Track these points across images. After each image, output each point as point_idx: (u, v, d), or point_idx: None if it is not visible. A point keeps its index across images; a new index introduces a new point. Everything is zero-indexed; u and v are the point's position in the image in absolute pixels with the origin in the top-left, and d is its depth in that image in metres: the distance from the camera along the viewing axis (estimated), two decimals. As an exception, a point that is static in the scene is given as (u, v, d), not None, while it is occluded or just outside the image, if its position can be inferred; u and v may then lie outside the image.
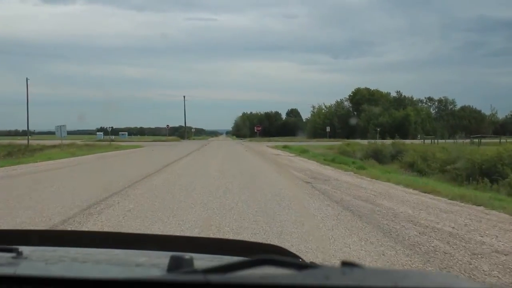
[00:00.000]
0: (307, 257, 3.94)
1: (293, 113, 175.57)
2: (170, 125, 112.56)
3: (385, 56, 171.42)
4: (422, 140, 58.10)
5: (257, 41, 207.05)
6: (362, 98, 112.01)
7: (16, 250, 1.43)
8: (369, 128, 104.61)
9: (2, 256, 1.41)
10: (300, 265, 1.16)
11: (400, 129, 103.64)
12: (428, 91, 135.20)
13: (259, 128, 78.42)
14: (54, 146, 42.87)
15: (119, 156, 32.95)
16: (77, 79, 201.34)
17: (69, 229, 7.11)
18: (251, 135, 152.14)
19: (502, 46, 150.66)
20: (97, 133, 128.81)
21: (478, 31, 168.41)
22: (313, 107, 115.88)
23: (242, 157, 29.86)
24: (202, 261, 1.39)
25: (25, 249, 1.46)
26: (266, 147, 46.71)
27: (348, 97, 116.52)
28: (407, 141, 44.35)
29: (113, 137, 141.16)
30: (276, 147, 47.20)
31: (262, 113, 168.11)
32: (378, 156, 33.05)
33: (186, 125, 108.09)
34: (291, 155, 32.26)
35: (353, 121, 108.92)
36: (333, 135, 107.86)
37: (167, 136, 77.88)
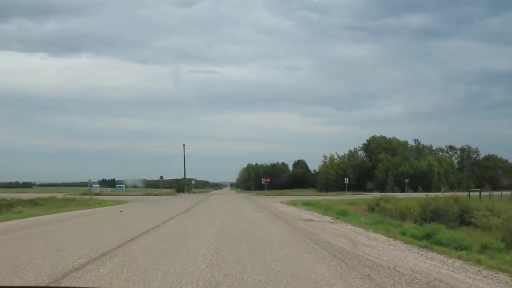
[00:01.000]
0: None
1: (300, 164, 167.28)
2: (174, 177, 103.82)
3: (387, 108, 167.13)
4: (468, 193, 47.59)
5: (260, 93, 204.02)
6: (378, 147, 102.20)
7: None
8: (388, 179, 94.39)
9: None
10: None
11: (422, 181, 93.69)
12: (434, 141, 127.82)
13: (268, 180, 68.37)
14: (30, 201, 38.91)
15: (73, 220, 22.54)
16: (79, 131, 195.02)
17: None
18: (257, 187, 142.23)
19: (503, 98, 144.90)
20: (93, 185, 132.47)
21: (480, 83, 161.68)
22: (325, 157, 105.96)
23: (257, 227, 17.94)
24: None
25: None
26: (282, 205, 36.32)
27: (362, 146, 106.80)
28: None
29: (109, 189, 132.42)
30: (295, 204, 36.83)
31: (267, 164, 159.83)
32: (441, 218, 22.85)
33: (187, 176, 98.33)
34: (330, 220, 21.76)
35: (370, 171, 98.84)
36: (348, 188, 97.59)
37: (161, 189, 67.56)
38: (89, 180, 57.87)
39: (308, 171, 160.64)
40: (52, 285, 6.66)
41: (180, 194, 76.53)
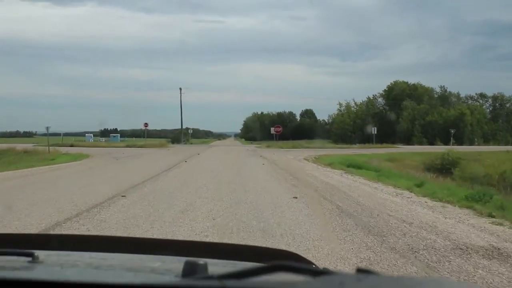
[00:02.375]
0: None
1: (308, 113, 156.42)
2: (177, 127, 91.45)
3: (393, 59, 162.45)
4: None
5: (265, 43, 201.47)
6: (400, 93, 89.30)
7: (31, 255, 1.43)
8: (414, 130, 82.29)
9: (18, 260, 1.42)
10: (314, 271, 1.15)
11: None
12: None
13: (279, 130, 56.18)
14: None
15: None
16: (84, 80, 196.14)
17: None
18: (263, 137, 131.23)
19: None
20: (86, 134, 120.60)
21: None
22: (340, 104, 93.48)
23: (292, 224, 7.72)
24: (216, 266, 1.39)
25: (40, 253, 1.46)
26: (315, 167, 24.29)
27: (382, 92, 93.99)
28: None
29: (103, 139, 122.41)
30: (331, 164, 25.04)
31: (274, 113, 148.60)
32: None
33: (189, 126, 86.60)
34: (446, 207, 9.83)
35: (392, 120, 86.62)
36: (366, 139, 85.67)
37: (145, 139, 55.60)
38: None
39: (316, 120, 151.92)
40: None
41: (174, 145, 65.03)
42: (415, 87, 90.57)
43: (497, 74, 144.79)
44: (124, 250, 1.69)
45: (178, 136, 78.30)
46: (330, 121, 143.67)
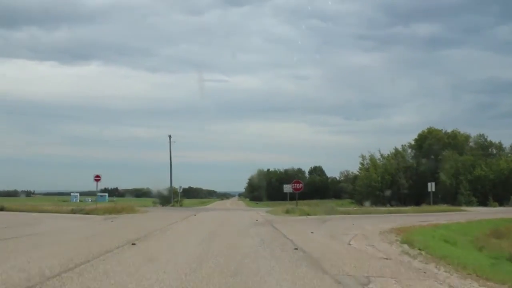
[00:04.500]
0: None
1: (317, 171, 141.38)
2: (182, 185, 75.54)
3: (396, 117, 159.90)
4: None
5: (269, 102, 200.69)
6: (436, 143, 73.10)
7: None
8: (460, 186, 65.20)
9: None
10: None
11: (507, 188, 64.93)
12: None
13: (301, 186, 38.81)
14: None
15: None
16: (87, 139, 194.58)
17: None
18: (269, 196, 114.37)
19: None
20: (71, 194, 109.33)
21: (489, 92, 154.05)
22: (363, 157, 76.64)
23: None
24: None
25: None
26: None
27: (413, 142, 77.66)
28: None
29: (89, 199, 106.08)
30: None
31: (281, 170, 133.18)
32: None
33: (190, 185, 70.20)
34: None
35: (430, 176, 69.67)
36: (398, 199, 68.59)
37: (95, 203, 37.99)
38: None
39: (327, 178, 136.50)
40: None
41: (155, 208, 48.41)
42: (454, 135, 74.33)
43: (499, 132, 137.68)
44: None
45: (169, 196, 61.56)
46: (341, 178, 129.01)
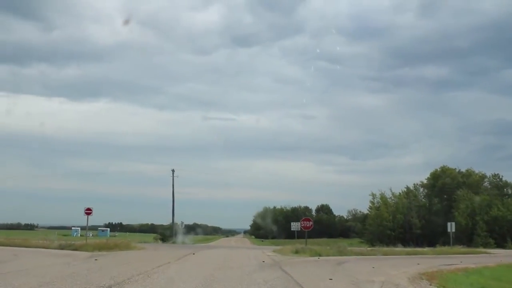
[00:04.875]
0: None
1: (324, 209, 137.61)
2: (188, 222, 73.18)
3: (402, 158, 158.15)
4: None
5: (276, 141, 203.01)
6: (450, 182, 69.93)
7: None
8: (477, 227, 61.68)
9: None
10: None
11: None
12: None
13: (310, 224, 35.56)
14: None
15: None
16: (94, 175, 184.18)
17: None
18: (276, 235, 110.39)
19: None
20: (72, 228, 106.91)
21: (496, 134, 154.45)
22: (373, 195, 73.26)
23: None
24: None
25: None
26: None
27: (425, 181, 74.44)
28: None
29: (90, 234, 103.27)
30: None
31: (287, 208, 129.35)
32: None
33: (195, 222, 67.20)
34: None
35: (443, 216, 66.23)
36: (410, 239, 64.97)
37: (84, 237, 34.77)
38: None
39: (334, 217, 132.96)
40: None
41: (156, 244, 45.57)
42: (468, 174, 71.15)
43: (509, 173, 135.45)
44: None
45: (170, 232, 58.43)
46: (349, 217, 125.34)
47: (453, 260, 27.90)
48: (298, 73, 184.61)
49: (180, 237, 54.29)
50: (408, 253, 33.19)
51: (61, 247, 27.37)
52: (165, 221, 66.06)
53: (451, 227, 40.67)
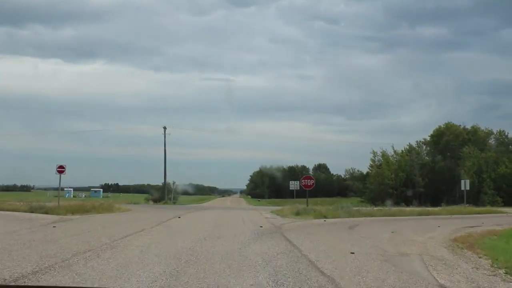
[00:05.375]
0: None
1: (322, 168, 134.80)
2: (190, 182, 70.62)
3: (399, 118, 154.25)
4: None
5: (272, 101, 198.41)
6: (454, 139, 66.43)
7: None
8: (484, 185, 58.63)
9: None
10: None
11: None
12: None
13: (312, 183, 31.93)
14: None
15: None
16: (91, 136, 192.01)
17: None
18: (271, 194, 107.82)
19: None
20: (65, 189, 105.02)
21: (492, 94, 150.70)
22: (374, 153, 69.82)
23: None
24: None
25: None
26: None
27: (429, 138, 70.88)
28: None
29: (83, 195, 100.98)
30: None
31: (285, 167, 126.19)
32: None
33: (191, 182, 63.85)
34: None
35: (448, 174, 63.13)
36: (413, 198, 61.98)
37: (59, 197, 30.65)
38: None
39: (332, 175, 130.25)
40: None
41: (145, 205, 42.38)
42: (474, 130, 67.59)
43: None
44: None
45: (163, 193, 55.02)
46: (347, 176, 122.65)
47: (472, 221, 24.58)
48: (295, 34, 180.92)
49: (172, 198, 50.86)
50: (420, 214, 29.78)
51: (32, 210, 23.78)
52: (160, 181, 63.10)
53: (465, 184, 37.18)
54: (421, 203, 56.13)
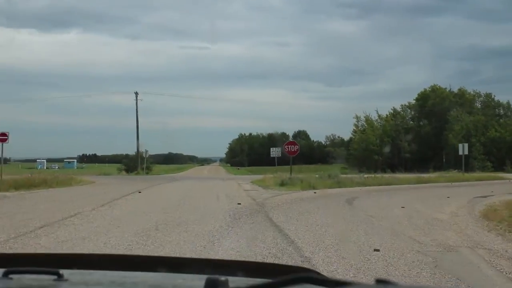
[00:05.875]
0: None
1: (302, 135, 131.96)
2: (164, 152, 67.32)
3: (377, 84, 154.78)
4: None
5: (250, 69, 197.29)
6: (440, 102, 63.49)
7: (57, 273, 1.38)
8: (473, 150, 56.03)
9: (44, 279, 1.38)
10: (336, 282, 1.12)
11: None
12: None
13: (296, 148, 28.52)
14: None
15: None
16: (67, 106, 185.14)
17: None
18: (251, 162, 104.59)
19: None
20: (37, 160, 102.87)
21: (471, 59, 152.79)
22: (357, 118, 66.50)
23: None
24: (237, 283, 1.36)
25: (65, 272, 1.40)
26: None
27: (414, 101, 67.77)
28: None
29: (56, 166, 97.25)
30: None
31: (264, 134, 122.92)
32: None
33: (170, 151, 59.66)
34: None
35: (435, 138, 60.53)
36: (399, 164, 59.47)
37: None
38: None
39: (312, 142, 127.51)
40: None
41: (114, 176, 38.74)
42: (461, 93, 64.70)
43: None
44: (146, 269, 1.60)
45: (135, 162, 51.11)
46: (327, 142, 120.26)
47: (479, 189, 21.53)
48: (273, 0, 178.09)
49: (144, 168, 47.07)
50: (417, 182, 26.59)
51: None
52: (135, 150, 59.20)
53: (463, 149, 34.17)
54: (407, 169, 53.60)
